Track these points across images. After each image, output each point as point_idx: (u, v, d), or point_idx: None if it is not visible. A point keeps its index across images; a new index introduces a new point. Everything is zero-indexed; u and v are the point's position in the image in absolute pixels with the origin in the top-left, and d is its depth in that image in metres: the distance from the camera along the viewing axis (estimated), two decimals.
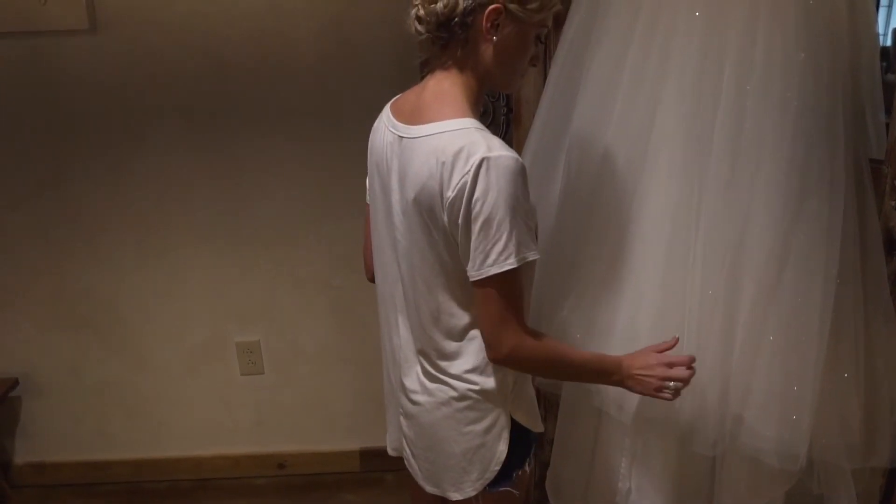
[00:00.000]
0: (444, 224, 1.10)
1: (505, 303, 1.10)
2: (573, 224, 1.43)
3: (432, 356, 1.22)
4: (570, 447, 1.59)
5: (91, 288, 2.17)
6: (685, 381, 1.22)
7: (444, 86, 1.14)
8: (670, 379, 1.22)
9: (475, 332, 1.18)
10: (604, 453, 1.55)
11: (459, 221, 1.07)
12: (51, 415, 2.29)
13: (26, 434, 2.31)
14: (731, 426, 1.33)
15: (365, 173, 1.33)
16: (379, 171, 1.22)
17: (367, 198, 1.36)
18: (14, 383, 2.22)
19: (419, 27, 1.12)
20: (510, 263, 1.07)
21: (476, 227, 1.06)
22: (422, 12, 1.11)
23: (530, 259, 1.09)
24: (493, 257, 1.07)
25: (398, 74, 1.91)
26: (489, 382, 1.20)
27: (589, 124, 1.41)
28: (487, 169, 1.04)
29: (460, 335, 1.19)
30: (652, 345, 1.27)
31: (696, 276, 1.29)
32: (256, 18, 1.94)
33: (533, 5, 1.09)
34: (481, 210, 1.05)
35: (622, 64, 1.35)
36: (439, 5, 1.08)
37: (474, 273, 1.09)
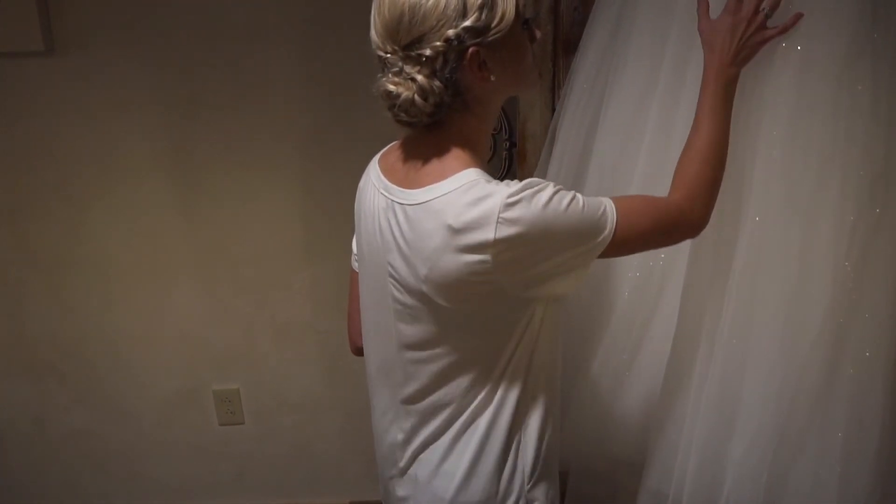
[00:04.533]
0: (489, 286, 0.92)
1: (646, 225, 0.97)
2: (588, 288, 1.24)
3: (438, 458, 1.04)
4: None
5: (54, 332, 1.99)
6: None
7: (447, 140, 0.96)
8: (755, 13, 1.02)
9: (497, 434, 1.01)
10: None
11: (529, 266, 0.91)
12: (13, 467, 2.11)
13: None
14: None
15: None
16: (370, 240, 1.03)
17: (353, 263, 1.17)
18: None
19: (413, 128, 0.96)
20: (608, 233, 0.92)
21: (558, 256, 0.91)
22: (406, 118, 0.93)
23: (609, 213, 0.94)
24: (591, 246, 0.92)
25: None
26: None
27: (608, 177, 1.22)
28: (521, 201, 0.88)
29: (479, 446, 1.01)
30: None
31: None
32: (233, 39, 1.75)
33: (497, 18, 0.90)
34: (551, 241, 0.90)
35: (646, 110, 1.16)
36: (417, 100, 0.90)
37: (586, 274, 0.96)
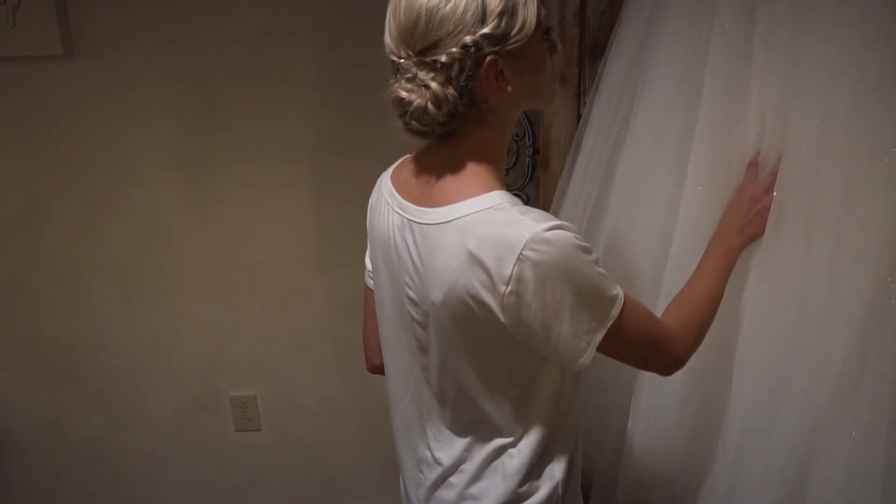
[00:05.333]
0: (495, 325, 0.88)
1: (641, 331, 0.94)
2: None
3: (465, 482, 1.01)
4: None
5: (71, 337, 1.97)
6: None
7: (463, 154, 0.92)
8: (765, 193, 1.06)
9: (525, 459, 0.98)
10: None
11: (533, 316, 0.86)
12: (29, 472, 2.10)
13: (3, 493, 2.12)
14: None
15: None
16: (386, 259, 1.00)
17: (367, 280, 1.14)
18: None
19: (425, 138, 0.92)
20: (615, 312, 0.89)
21: (565, 314, 0.86)
22: (417, 126, 0.89)
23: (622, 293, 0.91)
24: (597, 321, 0.88)
25: None
26: None
27: (635, 187, 1.18)
28: (547, 243, 0.83)
29: (507, 471, 0.99)
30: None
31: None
32: (251, 41, 1.73)
33: (518, 27, 0.86)
34: (563, 295, 0.85)
35: (677, 118, 1.12)
36: (430, 108, 0.86)
37: (587, 356, 0.90)
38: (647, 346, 0.96)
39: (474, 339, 0.92)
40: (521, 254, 0.83)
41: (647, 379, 1.22)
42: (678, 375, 1.18)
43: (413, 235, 0.92)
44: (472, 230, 0.86)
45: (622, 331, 0.90)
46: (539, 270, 0.83)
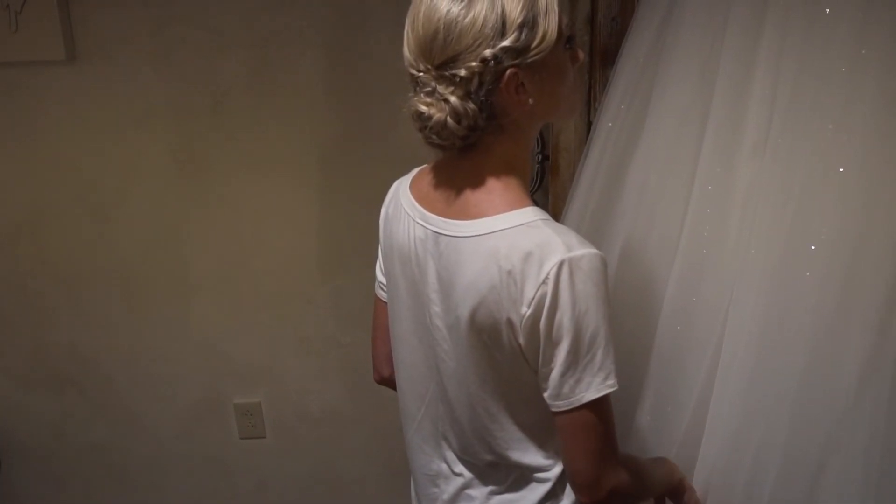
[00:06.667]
0: (515, 345, 0.88)
1: (604, 431, 0.89)
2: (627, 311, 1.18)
3: (486, 495, 1.01)
4: None
5: (74, 343, 1.96)
6: None
7: (487, 166, 0.90)
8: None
9: (546, 474, 0.97)
10: None
11: (541, 341, 0.85)
12: (33, 479, 2.09)
13: (5, 499, 2.11)
14: None
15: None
16: (405, 271, 0.98)
17: (378, 291, 1.12)
18: None
19: (446, 151, 0.91)
20: (610, 385, 0.86)
21: (564, 346, 0.84)
22: (437, 140, 0.88)
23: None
24: (587, 379, 0.85)
25: None
26: None
27: (650, 195, 1.16)
28: (571, 274, 0.82)
29: (524, 476, 0.98)
30: None
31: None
32: (256, 46, 1.71)
33: (538, 39, 0.84)
34: (569, 325, 0.83)
35: (691, 125, 1.10)
36: (450, 123, 0.85)
37: (562, 402, 0.87)
38: (598, 442, 0.89)
39: (496, 357, 0.90)
40: (546, 275, 0.82)
41: (656, 384, 1.21)
42: (687, 379, 1.17)
43: (438, 247, 0.91)
44: (505, 246, 0.85)
45: (592, 411, 0.87)
46: (561, 295, 0.83)
